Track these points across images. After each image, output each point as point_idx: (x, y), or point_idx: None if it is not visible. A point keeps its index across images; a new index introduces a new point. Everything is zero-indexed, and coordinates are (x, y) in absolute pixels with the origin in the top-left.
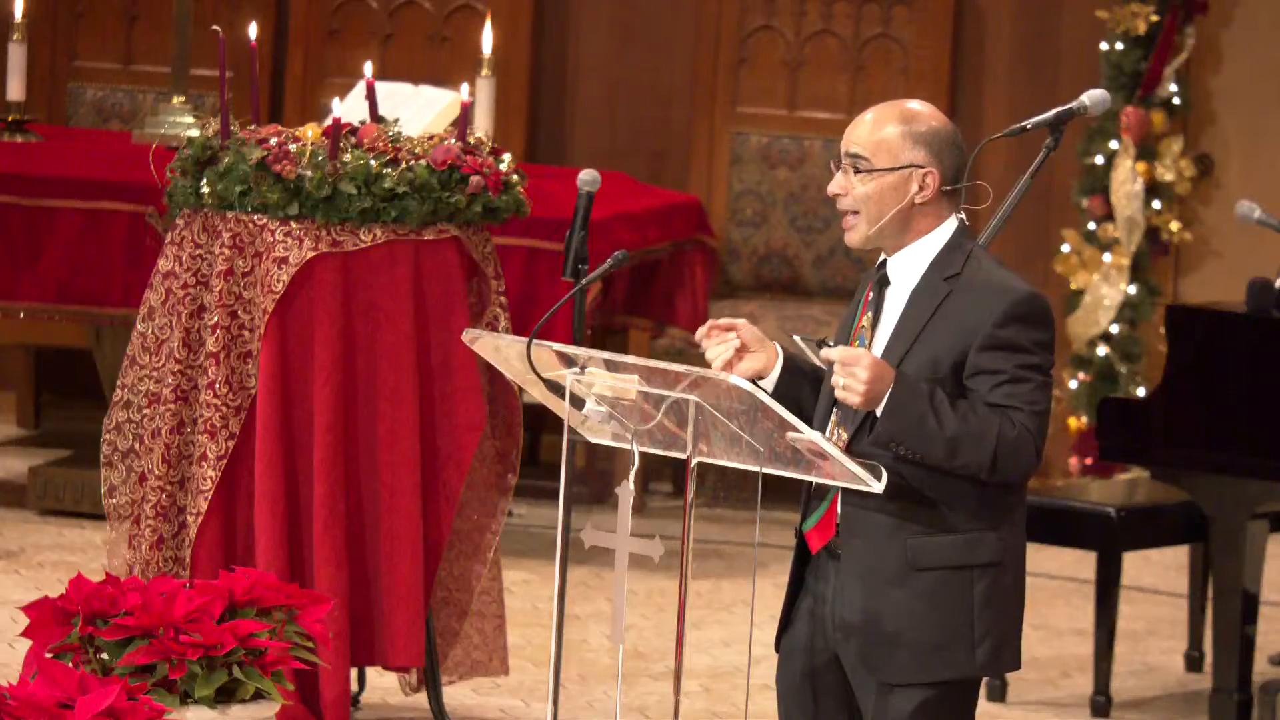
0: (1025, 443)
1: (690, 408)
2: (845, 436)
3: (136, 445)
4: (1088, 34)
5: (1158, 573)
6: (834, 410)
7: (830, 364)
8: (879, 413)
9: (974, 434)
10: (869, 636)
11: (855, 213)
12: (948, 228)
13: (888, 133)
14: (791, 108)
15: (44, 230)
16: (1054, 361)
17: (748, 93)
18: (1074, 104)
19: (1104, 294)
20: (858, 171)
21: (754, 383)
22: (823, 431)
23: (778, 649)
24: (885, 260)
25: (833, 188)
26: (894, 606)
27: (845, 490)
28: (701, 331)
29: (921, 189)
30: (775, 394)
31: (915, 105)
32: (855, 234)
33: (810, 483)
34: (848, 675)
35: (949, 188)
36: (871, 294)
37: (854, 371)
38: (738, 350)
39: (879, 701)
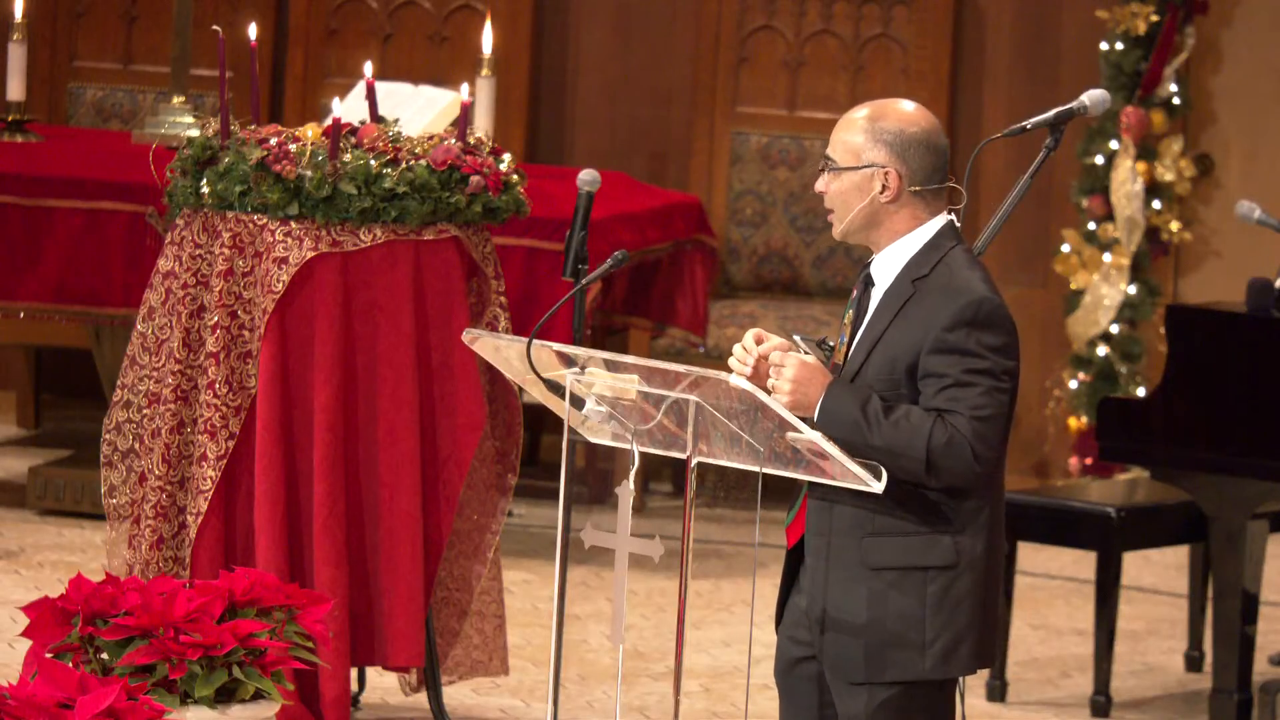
0: (959, 447)
1: (690, 408)
2: None
3: (136, 445)
4: (1088, 34)
5: (1158, 573)
6: None
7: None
8: (815, 419)
9: (904, 441)
10: (831, 633)
11: (831, 210)
12: (929, 228)
13: (852, 133)
14: (791, 108)
15: (44, 230)
16: (1013, 365)
17: (748, 93)
18: (1074, 104)
19: (1104, 294)
20: (829, 170)
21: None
22: None
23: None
24: (870, 261)
25: (817, 185)
26: (852, 604)
27: (811, 487)
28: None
29: (885, 188)
30: None
31: (892, 105)
32: (834, 229)
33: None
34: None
35: (918, 188)
36: (857, 293)
37: (781, 371)
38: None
39: (844, 698)
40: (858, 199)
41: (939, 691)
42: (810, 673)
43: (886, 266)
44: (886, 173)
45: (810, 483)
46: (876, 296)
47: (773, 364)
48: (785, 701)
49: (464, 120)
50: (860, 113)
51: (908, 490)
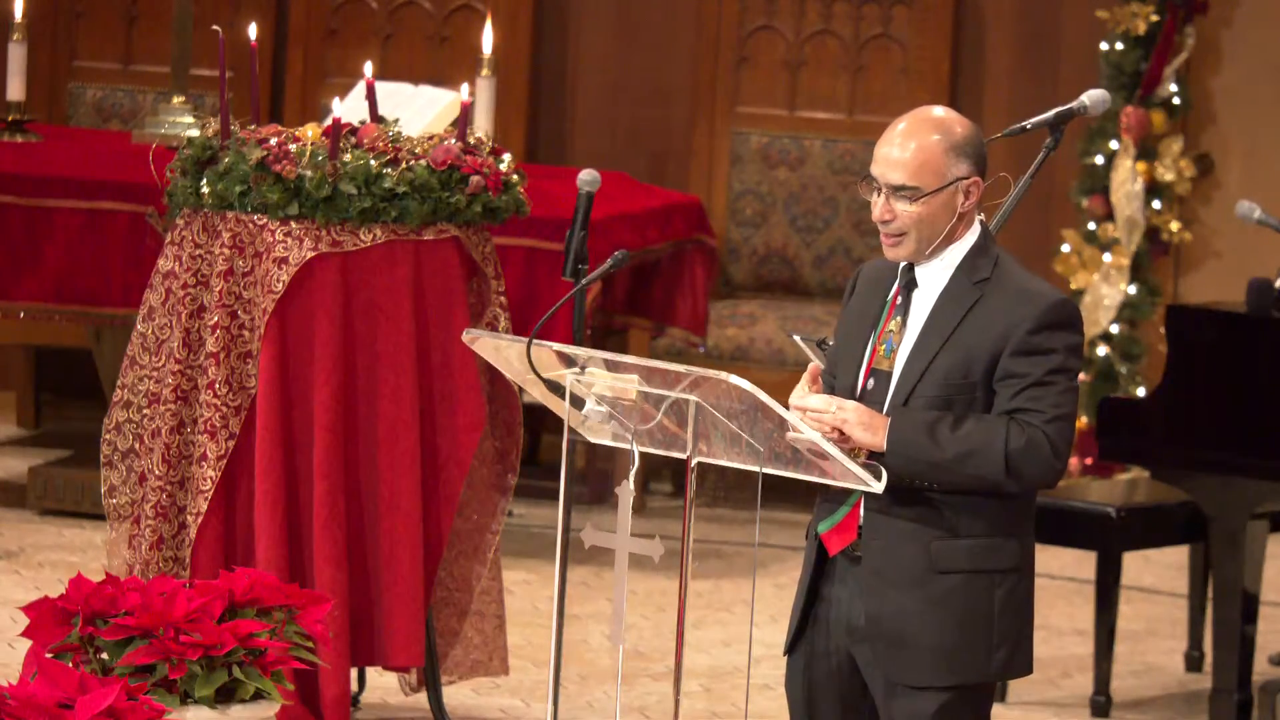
0: (1038, 446)
1: (690, 408)
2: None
3: (136, 445)
4: (1088, 34)
5: (1158, 573)
6: None
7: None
8: (885, 449)
9: (979, 451)
10: (888, 638)
11: (902, 234)
12: (974, 230)
13: (930, 154)
14: (791, 108)
15: (44, 230)
16: (1081, 366)
17: (748, 93)
18: (1074, 104)
19: (1104, 294)
20: (907, 200)
21: None
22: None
23: (788, 653)
24: (911, 264)
25: (879, 214)
26: (914, 609)
27: (868, 495)
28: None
29: (967, 198)
30: None
31: (941, 113)
32: (902, 250)
33: (826, 485)
34: (864, 676)
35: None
36: (900, 298)
37: (845, 419)
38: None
39: (897, 703)
40: (946, 218)
41: (989, 694)
42: (830, 685)
43: (937, 270)
44: (971, 183)
45: (866, 493)
46: (926, 299)
47: (828, 412)
48: (803, 712)
49: (464, 120)
50: (922, 129)
51: (970, 495)
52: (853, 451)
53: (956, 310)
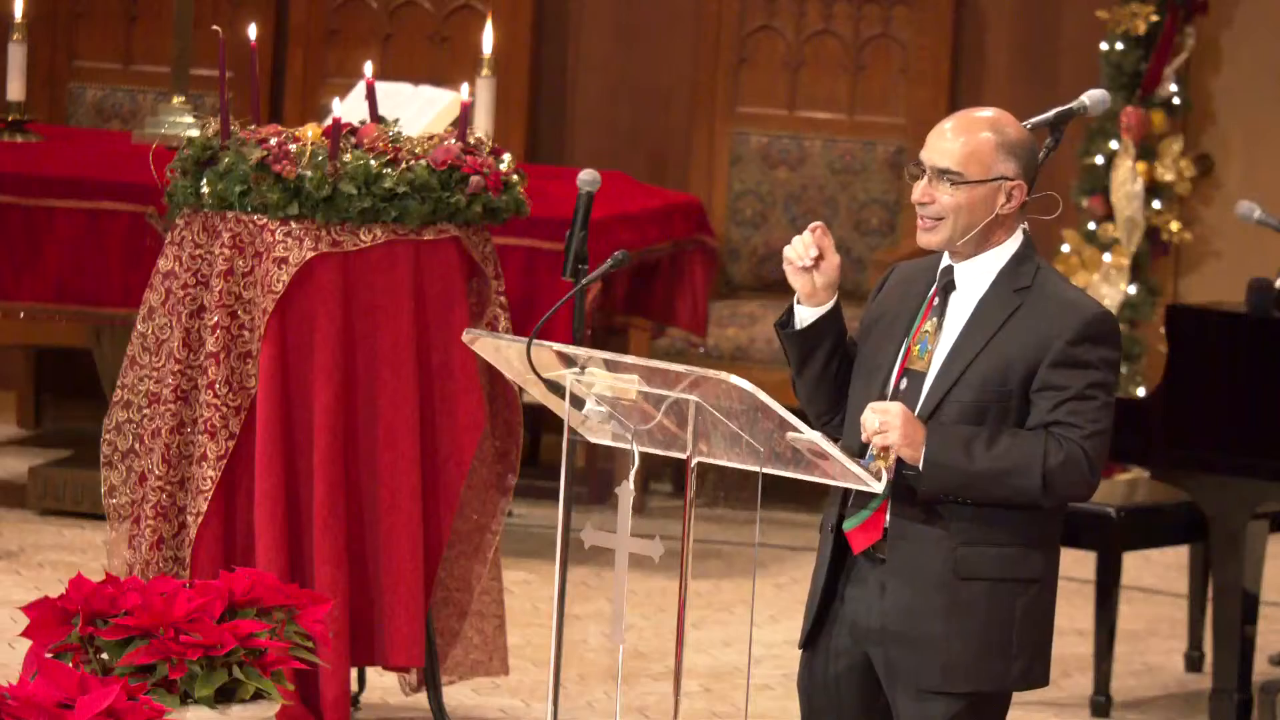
0: (1076, 461)
1: (690, 408)
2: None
3: (136, 445)
4: (1088, 34)
5: (1158, 573)
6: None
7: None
8: (921, 466)
9: (1019, 467)
10: (907, 642)
11: (939, 219)
12: (1016, 238)
13: (979, 146)
14: (791, 108)
15: (44, 230)
16: (1119, 381)
17: (748, 93)
18: (1074, 104)
19: (1104, 294)
20: (950, 184)
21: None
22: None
23: (802, 647)
24: (950, 266)
25: (918, 195)
26: (936, 614)
27: (895, 495)
28: (813, 234)
29: (1008, 200)
30: (803, 330)
31: (994, 113)
32: (936, 236)
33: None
34: (880, 678)
35: (1028, 199)
36: (936, 299)
37: (889, 423)
38: (808, 268)
39: (913, 707)
40: (984, 213)
41: (1005, 703)
42: (845, 684)
43: (977, 274)
44: (1015, 185)
45: (894, 491)
46: (965, 303)
47: (872, 422)
48: (816, 709)
49: (464, 120)
50: (976, 122)
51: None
52: (882, 455)
53: (996, 316)
